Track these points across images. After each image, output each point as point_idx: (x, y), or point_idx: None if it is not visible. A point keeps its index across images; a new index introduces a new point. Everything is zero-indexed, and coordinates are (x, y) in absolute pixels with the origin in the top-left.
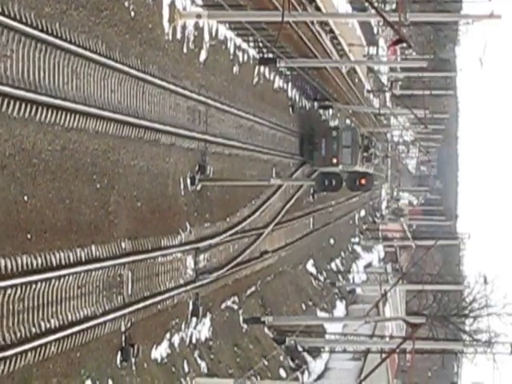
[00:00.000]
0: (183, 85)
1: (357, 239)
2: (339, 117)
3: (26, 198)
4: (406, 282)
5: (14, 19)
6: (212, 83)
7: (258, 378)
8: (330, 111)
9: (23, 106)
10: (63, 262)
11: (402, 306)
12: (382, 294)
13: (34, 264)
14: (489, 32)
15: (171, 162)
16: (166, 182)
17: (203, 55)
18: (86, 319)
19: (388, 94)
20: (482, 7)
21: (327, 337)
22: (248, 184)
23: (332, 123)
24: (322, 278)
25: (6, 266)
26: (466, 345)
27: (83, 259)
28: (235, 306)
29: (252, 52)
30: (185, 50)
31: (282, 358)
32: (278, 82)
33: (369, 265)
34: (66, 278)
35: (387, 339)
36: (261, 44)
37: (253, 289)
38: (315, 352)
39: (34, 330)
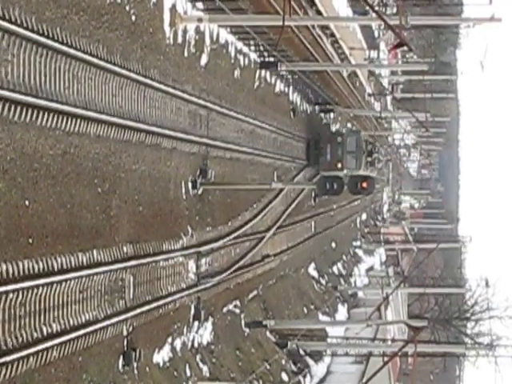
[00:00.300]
0: (184, 89)
1: (358, 243)
2: (340, 120)
3: (27, 202)
4: (408, 286)
5: (15, 24)
6: (213, 87)
7: (260, 381)
8: (332, 115)
9: (24, 110)
10: (65, 267)
11: (404, 310)
12: (383, 298)
13: (36, 268)
14: (490, 35)
15: (172, 166)
16: (168, 186)
17: (204, 59)
18: (88, 323)
19: (389, 98)
20: (482, 10)
21: (329, 340)
22: (249, 188)
23: (334, 127)
24: (323, 282)
25: (7, 271)
26: (467, 348)
27: (85, 263)
28: (237, 310)
29: (253, 56)
30: (186, 54)
31: (283, 361)
32: (279, 86)
33: (370, 268)
34: (68, 282)
35: (389, 342)
36: (262, 48)
37: (255, 293)
38: (317, 356)
39: (35, 334)
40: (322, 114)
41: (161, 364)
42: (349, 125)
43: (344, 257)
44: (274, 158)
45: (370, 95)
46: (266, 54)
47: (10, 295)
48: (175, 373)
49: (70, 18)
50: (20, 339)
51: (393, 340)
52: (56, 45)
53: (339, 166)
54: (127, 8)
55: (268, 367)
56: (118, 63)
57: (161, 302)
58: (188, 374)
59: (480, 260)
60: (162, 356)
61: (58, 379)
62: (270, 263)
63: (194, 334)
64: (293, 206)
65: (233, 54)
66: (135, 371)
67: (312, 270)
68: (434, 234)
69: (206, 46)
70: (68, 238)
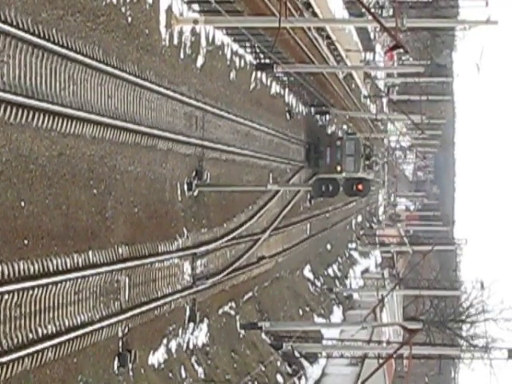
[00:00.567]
0: (180, 90)
1: (354, 245)
2: (336, 122)
3: (22, 203)
4: (403, 288)
5: (11, 25)
6: (209, 89)
7: (255, 383)
8: (327, 117)
9: (20, 111)
10: (60, 268)
11: (399, 312)
12: (379, 300)
13: (31, 270)
14: (485, 38)
15: (168, 167)
16: (163, 188)
17: (200, 61)
18: (83, 325)
19: (385, 100)
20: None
21: (324, 342)
22: (245, 189)
23: (329, 129)
24: (319, 284)
25: (2, 272)
26: (463, 350)
27: (80, 265)
28: (232, 312)
29: (249, 58)
30: (182, 56)
31: (279, 363)
32: (275, 88)
33: (366, 270)
34: (63, 283)
35: (384, 345)
36: (258, 49)
37: (250, 294)
38: (312, 357)
39: (31, 335)
40: (318, 116)
41: (156, 365)
42: (344, 127)
43: (339, 259)
44: (270, 159)
45: (365, 97)
46: (261, 55)
47: (6, 296)
48: (170, 374)
49: (65, 20)
50: (15, 340)
51: (388, 342)
52: (52, 46)
53: (338, 168)
54: (123, 9)
55: (263, 369)
56: (113, 64)
57: (156, 304)
58: (183, 375)
59: (475, 262)
60: (157, 357)
61: (53, 380)
62: (265, 265)
63: (189, 336)
64: (288, 207)
65: (229, 56)
66: (130, 372)
67: (307, 272)
68: (430, 236)
69: (202, 48)
70: (63, 239)
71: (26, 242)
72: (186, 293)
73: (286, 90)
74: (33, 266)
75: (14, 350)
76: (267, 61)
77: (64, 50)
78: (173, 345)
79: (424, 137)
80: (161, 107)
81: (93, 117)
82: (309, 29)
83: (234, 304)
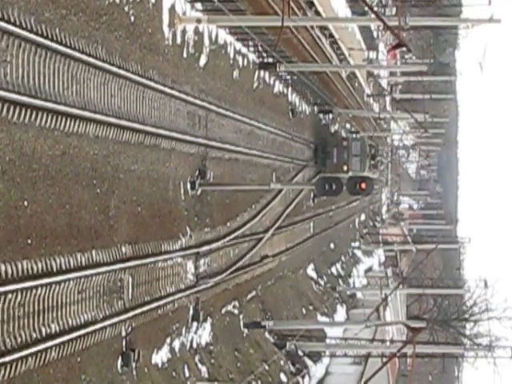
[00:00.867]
0: (183, 89)
1: (357, 243)
2: (339, 121)
3: (26, 203)
4: (407, 286)
5: (14, 24)
6: (212, 88)
7: (259, 382)
8: (330, 115)
9: (23, 111)
10: (63, 267)
11: (403, 310)
12: (382, 299)
13: (35, 269)
14: (488, 36)
15: (171, 166)
16: (167, 187)
17: (203, 60)
18: (87, 324)
19: (388, 98)
20: (481, 11)
21: (328, 341)
22: (248, 188)
23: (332, 128)
24: (322, 283)
25: (6, 271)
26: (466, 349)
27: (83, 264)
28: (236, 311)
29: (252, 56)
30: (185, 55)
31: (282, 362)
32: (278, 87)
33: (369, 269)
34: (67, 283)
35: (388, 343)
36: (261, 48)
37: (253, 293)
38: (316, 356)
39: (34, 335)
40: (321, 115)
41: (159, 365)
42: (348, 125)
43: (343, 257)
44: (273, 158)
45: (368, 96)
46: (264, 54)
47: (9, 296)
48: (174, 373)
49: (68, 19)
50: (19, 340)
51: (391, 341)
52: (55, 45)
53: (345, 168)
54: (126, 9)
55: (267, 368)
56: (116, 64)
57: (159, 303)
58: (187, 374)
59: (479, 261)
60: (160, 357)
61: (57, 380)
62: (268, 264)
63: (192, 335)
64: (292, 206)
65: (232, 55)
66: (134, 372)
67: (311, 271)
68: (433, 234)
69: (205, 47)
70: (67, 238)
71: (29, 241)
72: (189, 292)
73: (289, 88)
74: (36, 266)
75: (18, 350)
76: (270, 60)
77: (67, 50)
78: (176, 344)
79: (427, 135)
80: (164, 106)
81: (96, 116)
82: (312, 28)
83: (237, 303)
